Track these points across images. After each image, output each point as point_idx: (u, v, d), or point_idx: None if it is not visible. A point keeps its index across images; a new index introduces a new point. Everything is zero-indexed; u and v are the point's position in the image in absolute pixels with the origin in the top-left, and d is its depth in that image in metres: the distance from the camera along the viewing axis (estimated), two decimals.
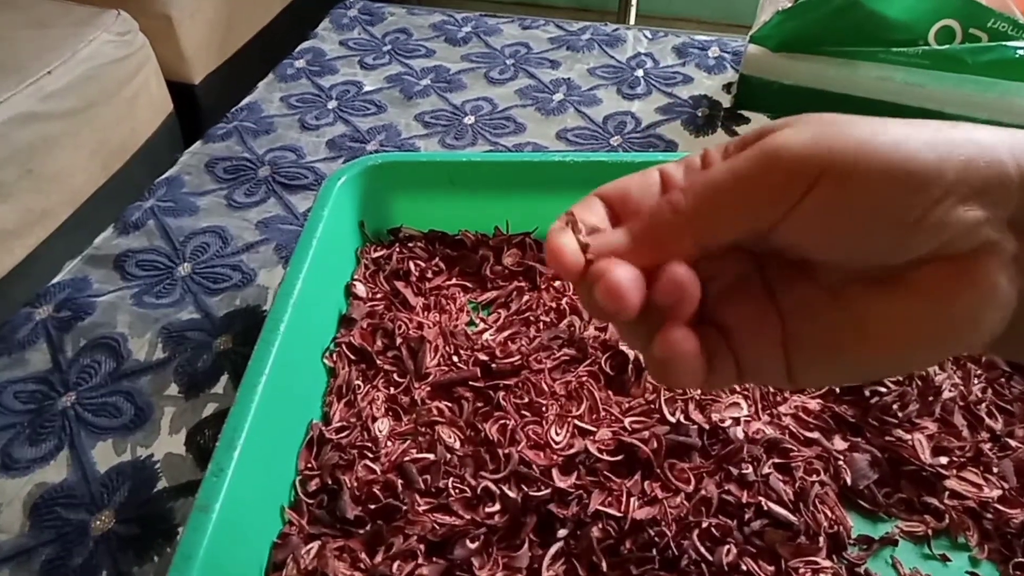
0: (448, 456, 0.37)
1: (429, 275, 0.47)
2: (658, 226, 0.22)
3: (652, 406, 0.39)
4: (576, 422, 0.38)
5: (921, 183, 0.20)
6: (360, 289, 0.45)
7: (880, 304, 0.21)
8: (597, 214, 0.25)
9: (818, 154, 0.20)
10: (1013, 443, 0.37)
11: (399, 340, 0.42)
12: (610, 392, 0.40)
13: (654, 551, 0.32)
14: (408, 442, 0.38)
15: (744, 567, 0.32)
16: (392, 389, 0.40)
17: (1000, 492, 0.35)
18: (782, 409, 0.39)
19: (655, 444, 0.36)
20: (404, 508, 0.34)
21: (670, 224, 0.22)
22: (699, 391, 0.39)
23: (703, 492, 0.34)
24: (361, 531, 0.34)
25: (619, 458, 0.36)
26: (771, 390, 0.40)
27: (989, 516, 0.35)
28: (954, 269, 0.20)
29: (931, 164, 0.19)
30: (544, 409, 0.38)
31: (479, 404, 0.39)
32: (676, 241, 0.22)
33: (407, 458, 0.36)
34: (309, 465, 0.37)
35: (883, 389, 0.39)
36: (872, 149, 0.20)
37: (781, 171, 0.20)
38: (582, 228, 0.24)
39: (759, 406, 0.39)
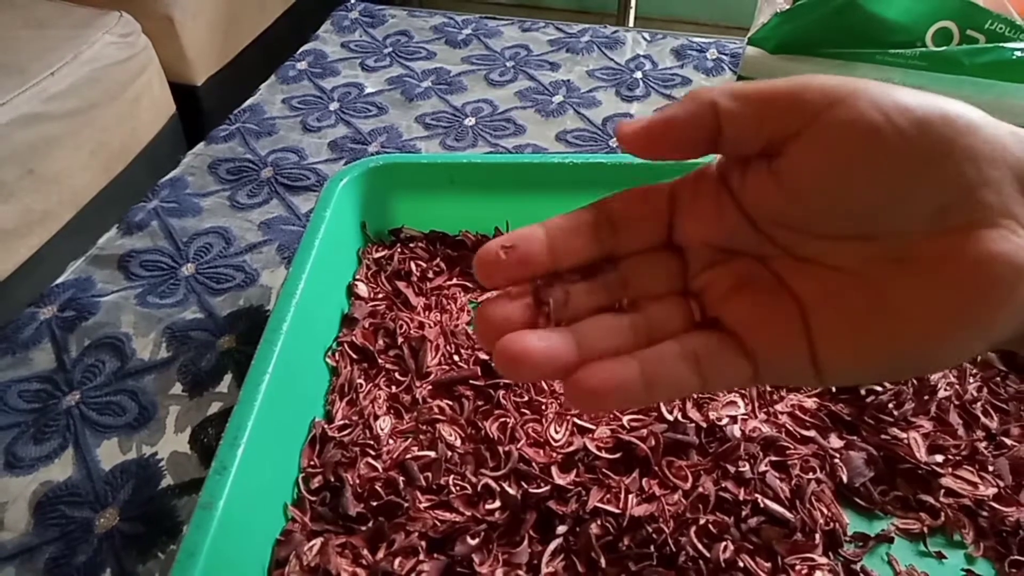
0: (449, 454, 0.37)
1: (430, 275, 0.47)
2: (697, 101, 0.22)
3: (650, 404, 0.39)
4: (575, 420, 0.38)
5: (935, 127, 0.19)
6: (362, 289, 0.46)
7: (902, 279, 0.21)
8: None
9: (849, 82, 0.21)
10: (1008, 441, 0.38)
11: (400, 339, 0.42)
12: None
13: (652, 548, 0.33)
14: (409, 440, 0.38)
15: (741, 564, 0.32)
16: (393, 388, 0.41)
17: (995, 490, 0.36)
18: (779, 407, 0.39)
19: (653, 442, 0.36)
20: (405, 505, 0.35)
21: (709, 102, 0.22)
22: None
23: (700, 489, 0.35)
24: (363, 528, 0.34)
25: (617, 456, 0.37)
26: (767, 389, 0.40)
27: (985, 514, 0.35)
28: (968, 241, 0.20)
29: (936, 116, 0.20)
30: (543, 407, 0.39)
31: (479, 402, 0.40)
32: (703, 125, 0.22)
33: (408, 456, 0.37)
34: (312, 463, 0.37)
35: (879, 388, 0.40)
36: (897, 91, 0.20)
37: (814, 89, 0.21)
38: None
39: (756, 404, 0.39)
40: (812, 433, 0.38)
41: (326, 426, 0.38)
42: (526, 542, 0.33)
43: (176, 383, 0.44)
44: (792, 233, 0.23)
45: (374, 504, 0.35)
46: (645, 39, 0.77)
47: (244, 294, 0.50)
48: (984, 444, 0.38)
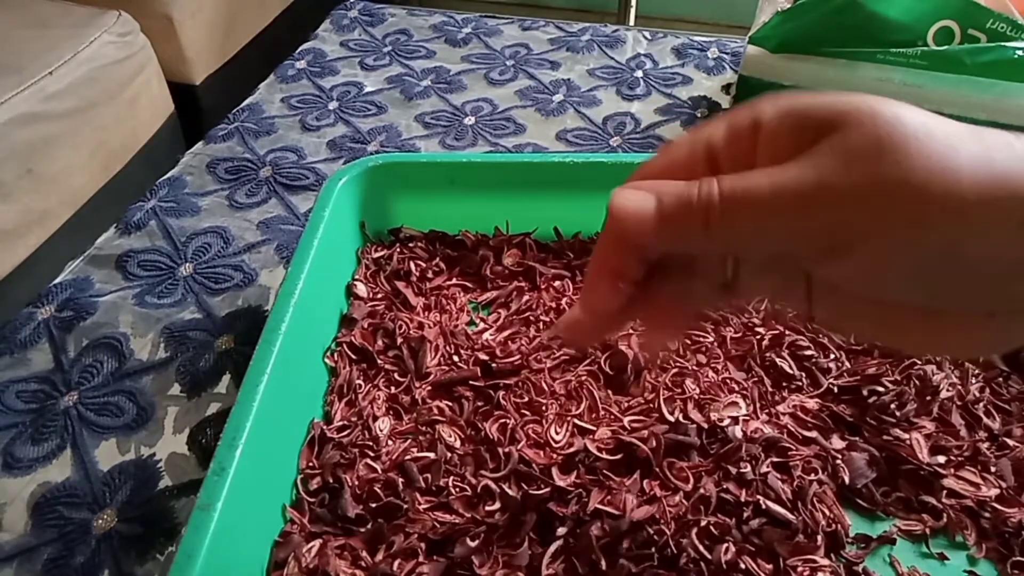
0: (448, 455, 0.37)
1: (430, 275, 0.47)
2: (687, 217, 0.22)
3: (651, 405, 0.39)
4: (575, 421, 0.38)
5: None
6: (361, 289, 0.45)
7: (924, 321, 0.22)
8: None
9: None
10: (1011, 442, 0.38)
11: (400, 340, 0.42)
12: (609, 391, 0.40)
13: (653, 549, 0.33)
14: (409, 441, 0.38)
15: (743, 565, 0.32)
16: (393, 388, 0.41)
17: (998, 491, 0.35)
18: (780, 408, 0.39)
19: (654, 443, 0.36)
20: (405, 507, 0.34)
21: (697, 225, 0.22)
22: (698, 390, 0.39)
23: (702, 491, 0.35)
24: (362, 529, 0.34)
25: (618, 457, 0.36)
26: (769, 391, 0.40)
27: (987, 515, 0.35)
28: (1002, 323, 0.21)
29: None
30: (544, 408, 0.39)
31: (479, 403, 0.39)
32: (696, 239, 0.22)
33: (408, 457, 0.37)
34: (310, 464, 0.37)
35: (881, 389, 0.40)
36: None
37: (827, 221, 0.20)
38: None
39: (757, 405, 0.39)
40: (814, 434, 0.38)
41: (325, 427, 0.38)
42: (526, 544, 0.33)
43: (174, 383, 0.44)
44: None
45: (373, 506, 0.35)
46: (646, 38, 0.77)
47: (243, 294, 0.49)
48: (986, 445, 0.37)
